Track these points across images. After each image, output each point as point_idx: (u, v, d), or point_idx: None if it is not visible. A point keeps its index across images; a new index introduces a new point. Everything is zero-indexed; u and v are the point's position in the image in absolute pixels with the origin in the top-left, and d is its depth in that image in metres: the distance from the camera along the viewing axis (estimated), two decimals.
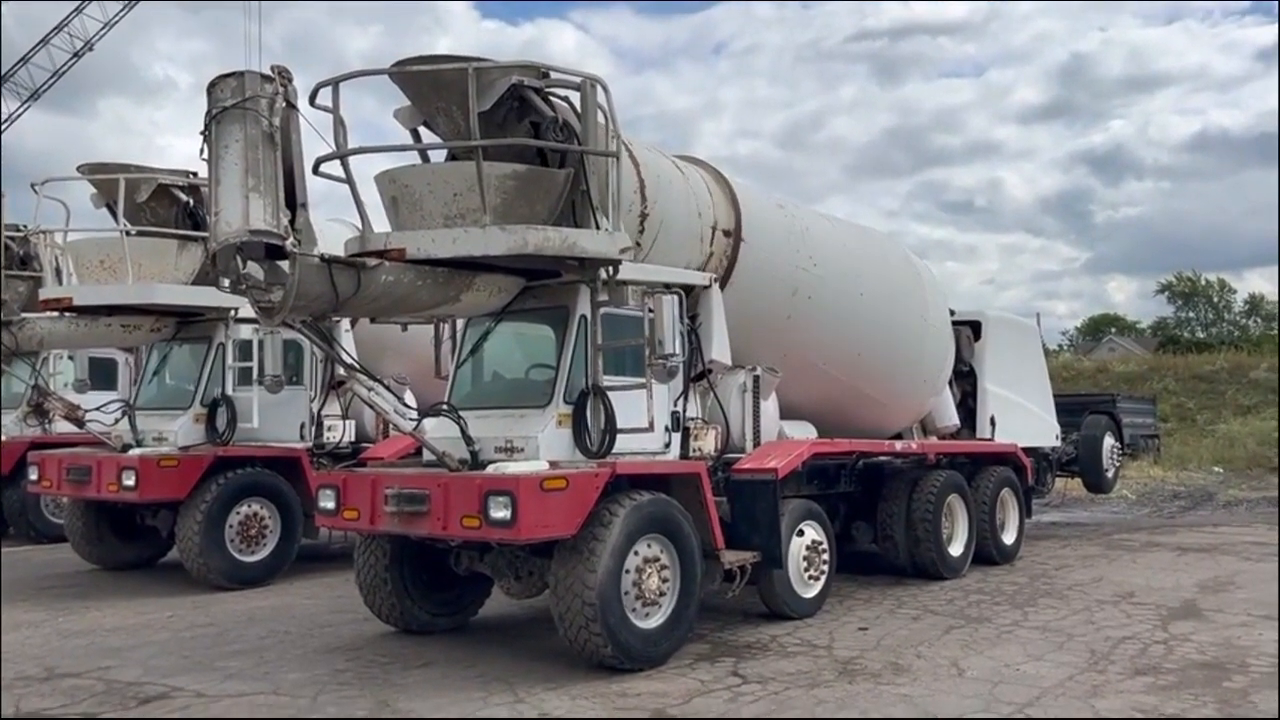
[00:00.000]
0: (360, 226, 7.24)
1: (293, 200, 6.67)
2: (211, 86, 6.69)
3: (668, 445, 8.11)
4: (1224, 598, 9.87)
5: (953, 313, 12.71)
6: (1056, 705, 6.28)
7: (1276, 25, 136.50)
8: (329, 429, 11.76)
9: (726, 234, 9.20)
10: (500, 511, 6.68)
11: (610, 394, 7.52)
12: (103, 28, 37.46)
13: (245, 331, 11.17)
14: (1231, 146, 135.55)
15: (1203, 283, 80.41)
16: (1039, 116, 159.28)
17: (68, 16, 37.18)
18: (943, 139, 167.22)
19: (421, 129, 7.79)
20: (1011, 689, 6.64)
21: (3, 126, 37.46)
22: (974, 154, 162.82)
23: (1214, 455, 27.41)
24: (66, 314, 11.32)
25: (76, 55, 37.74)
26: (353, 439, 11.95)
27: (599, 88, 7.31)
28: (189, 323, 11.74)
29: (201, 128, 6.74)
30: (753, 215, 9.49)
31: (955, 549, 11.19)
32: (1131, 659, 7.43)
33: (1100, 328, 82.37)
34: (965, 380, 13.12)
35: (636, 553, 7.18)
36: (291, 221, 6.60)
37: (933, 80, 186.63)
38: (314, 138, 7.01)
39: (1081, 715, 6.08)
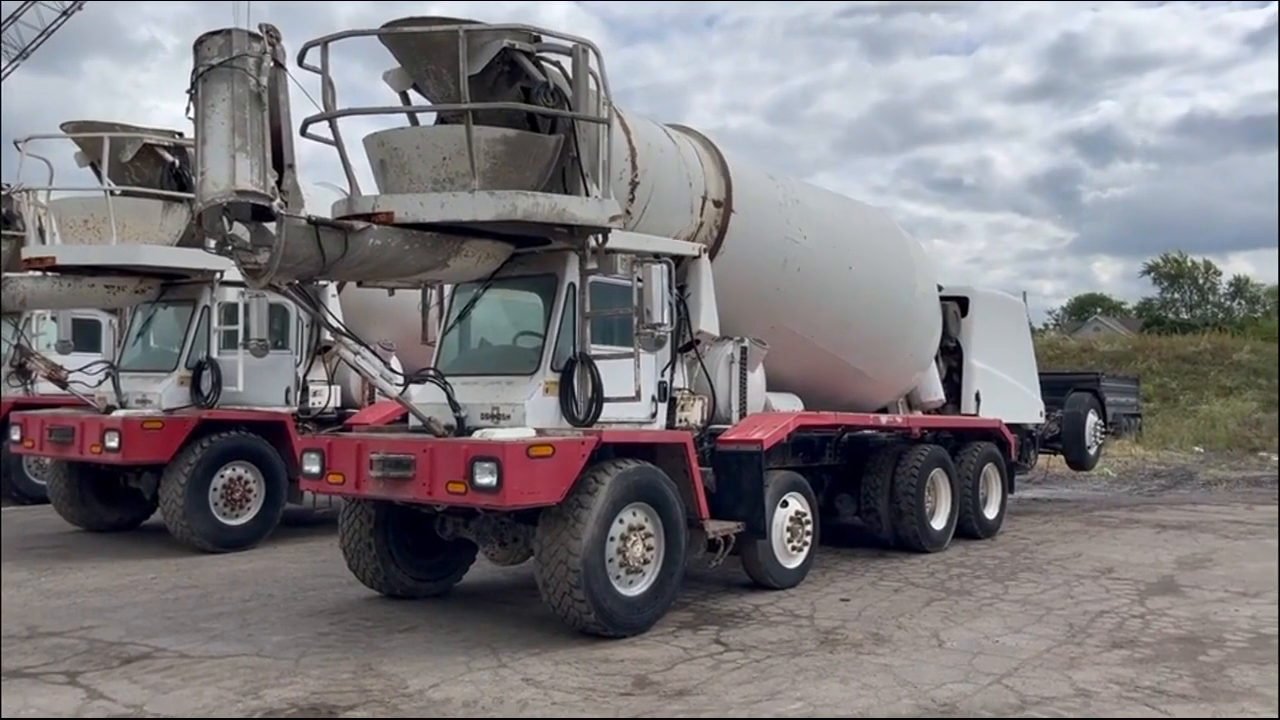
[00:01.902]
0: (348, 189, 7.17)
1: (280, 161, 6.59)
2: (198, 44, 6.59)
3: (654, 415, 8.11)
4: (1202, 574, 9.98)
5: (941, 289, 12.73)
6: (1034, 676, 6.35)
7: (1276, 10, 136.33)
8: (314, 393, 11.72)
9: (717, 204, 9.16)
10: (486, 477, 6.69)
11: (598, 363, 7.51)
12: None
13: (231, 294, 11.10)
14: (1219, 129, 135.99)
15: (1188, 265, 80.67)
16: (1029, 96, 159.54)
17: None
18: (933, 116, 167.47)
19: (411, 92, 7.71)
20: (990, 660, 6.71)
21: None
22: (963, 132, 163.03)
23: (1195, 435, 27.65)
24: (49, 274, 11.21)
25: (65, 14, 37.09)
26: (338, 404, 11.92)
27: (591, 53, 7.23)
28: (174, 284, 11.65)
29: (188, 86, 6.65)
30: (744, 186, 9.45)
31: (938, 523, 11.27)
32: (1109, 632, 7.51)
33: (1086, 308, 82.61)
34: (951, 356, 13.16)
35: (621, 521, 7.20)
36: (279, 183, 6.53)
37: (924, 57, 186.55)
38: (302, 100, 6.94)
39: (1059, 686, 6.15)
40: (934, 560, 10.61)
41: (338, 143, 7.09)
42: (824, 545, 10.05)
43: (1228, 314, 72.80)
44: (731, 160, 9.49)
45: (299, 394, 11.63)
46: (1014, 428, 13.33)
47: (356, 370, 7.74)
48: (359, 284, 8.57)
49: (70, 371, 11.90)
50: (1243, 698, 5.97)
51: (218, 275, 11.20)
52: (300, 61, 6.96)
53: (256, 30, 6.61)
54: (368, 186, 7.30)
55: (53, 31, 37.14)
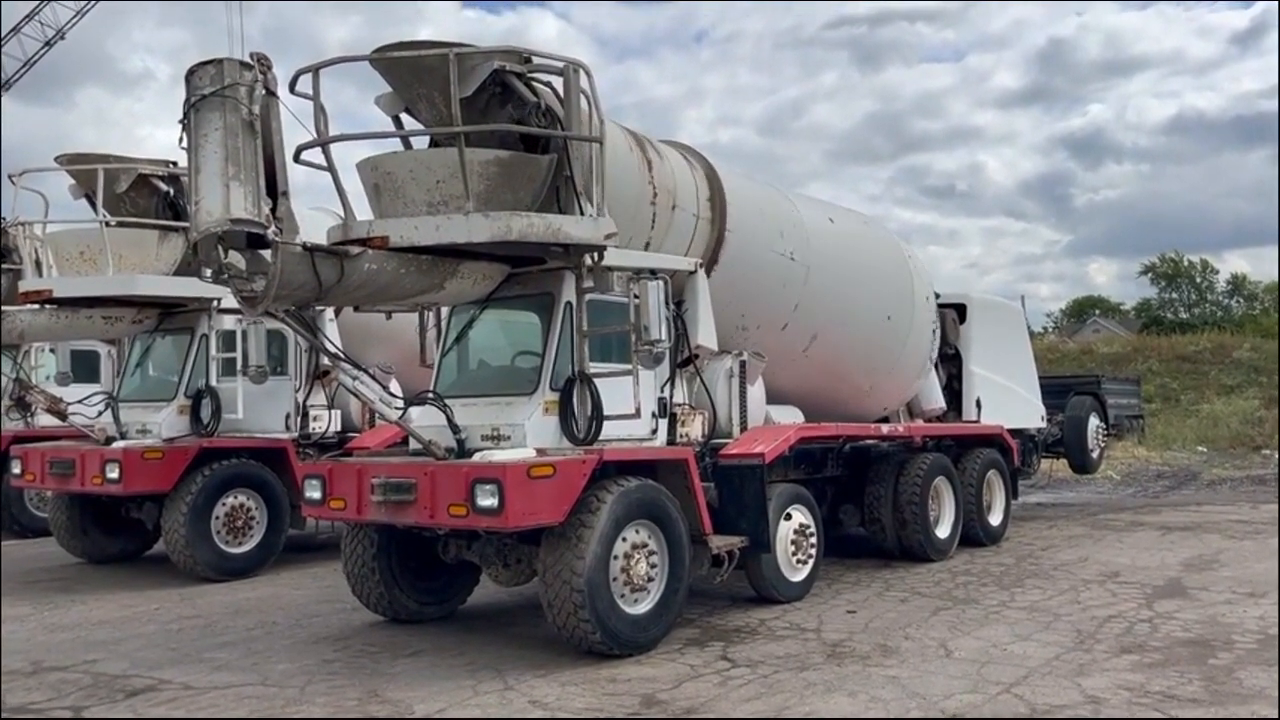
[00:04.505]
0: (343, 214, 7.18)
1: (274, 188, 6.60)
2: (190, 74, 6.62)
3: (654, 431, 8.10)
4: (1208, 576, 9.94)
5: (938, 296, 12.72)
6: (1043, 684, 6.32)
7: (1260, 11, 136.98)
8: (314, 419, 11.68)
9: (710, 221, 9.16)
10: (487, 499, 6.67)
11: (596, 380, 7.50)
12: (74, 15, 36.91)
13: (228, 322, 11.10)
14: (1208, 129, 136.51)
15: (1185, 264, 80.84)
16: (1018, 101, 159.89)
17: (39, 5, 36.63)
18: (923, 124, 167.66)
19: (403, 115, 7.73)
20: (999, 669, 6.68)
21: None
22: (954, 139, 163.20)
23: (1197, 435, 27.61)
24: (47, 306, 11.21)
25: (48, 44, 37.13)
26: (338, 429, 11.88)
27: (582, 72, 7.26)
28: (171, 314, 11.64)
29: (181, 116, 6.67)
30: (738, 200, 9.41)
31: (942, 531, 11.24)
32: (1117, 638, 7.48)
33: (1084, 310, 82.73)
34: (951, 363, 13.17)
35: (624, 539, 7.18)
36: (273, 210, 6.54)
37: (913, 66, 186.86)
38: (294, 126, 6.96)
39: (1068, 694, 6.12)
40: (939, 569, 10.57)
41: (331, 169, 7.11)
42: (829, 557, 10.02)
43: (1226, 312, 72.92)
44: (725, 176, 9.48)
45: (299, 420, 11.61)
46: (1016, 433, 13.31)
47: (355, 395, 7.72)
48: (356, 308, 8.56)
49: (70, 403, 11.88)
50: (1253, 700, 5.94)
51: (215, 303, 11.20)
52: (292, 88, 6.99)
53: (248, 59, 6.63)
54: (362, 211, 7.31)
55: (35, 62, 37.21)
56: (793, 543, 8.97)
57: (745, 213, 9.45)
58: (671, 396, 8.33)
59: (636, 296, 7.36)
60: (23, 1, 36.68)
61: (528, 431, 7.31)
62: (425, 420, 7.68)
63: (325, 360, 10.21)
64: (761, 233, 9.64)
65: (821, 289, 10.27)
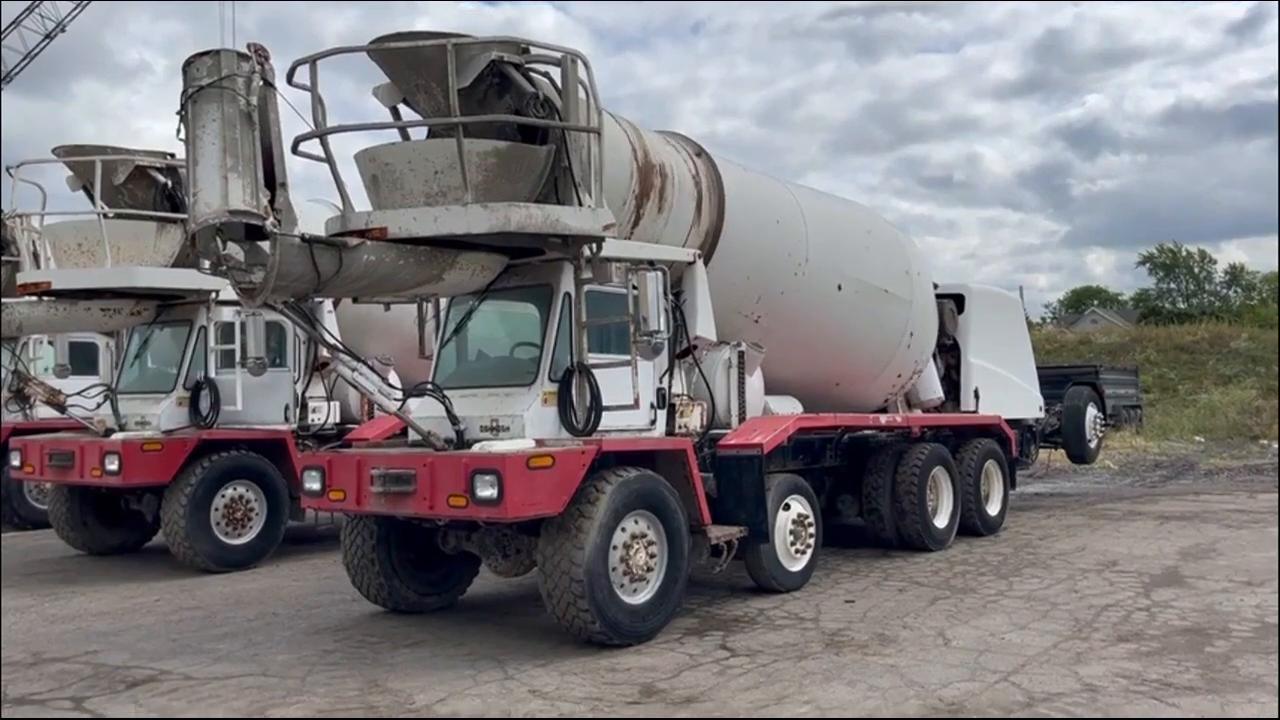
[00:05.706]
0: (341, 206, 7.17)
1: (272, 180, 6.60)
2: (187, 65, 6.61)
3: (653, 422, 8.11)
4: (1205, 565, 9.97)
5: (936, 286, 12.73)
6: (1041, 672, 6.34)
7: (1256, 3, 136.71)
8: (313, 410, 11.70)
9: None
10: (487, 490, 6.68)
11: (595, 371, 7.51)
12: (75, 8, 36.80)
13: (227, 313, 11.09)
14: (1205, 119, 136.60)
15: (1183, 254, 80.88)
16: (1015, 92, 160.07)
17: None
18: (921, 115, 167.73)
19: (401, 107, 7.71)
20: (997, 658, 6.71)
21: None
22: (952, 129, 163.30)
23: (1195, 425, 27.69)
24: (45, 298, 11.21)
25: (48, 36, 37.01)
26: (337, 420, 11.90)
27: (580, 63, 7.24)
28: (170, 305, 11.64)
29: (178, 108, 6.66)
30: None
31: (940, 521, 11.26)
32: (1115, 626, 7.51)
33: (1082, 300, 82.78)
34: (949, 353, 13.17)
35: (623, 529, 7.20)
36: (271, 201, 6.54)
37: (910, 56, 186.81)
38: (292, 117, 6.95)
39: (1066, 682, 6.15)
40: (938, 559, 10.60)
41: (329, 160, 7.08)
42: (827, 547, 10.05)
43: (1224, 302, 72.94)
44: (729, 233, 9.30)
45: (298, 411, 11.61)
46: (1014, 423, 13.33)
47: (354, 386, 7.73)
48: (355, 300, 8.56)
49: (68, 395, 11.89)
50: (1250, 688, 5.96)
51: (213, 295, 11.19)
52: (290, 80, 6.97)
53: (245, 50, 6.62)
54: (360, 203, 7.30)
55: (36, 55, 37.10)
56: (791, 533, 8.99)
57: (729, 275, 9.24)
58: (670, 387, 8.34)
59: (635, 287, 7.37)
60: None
61: (526, 422, 7.32)
62: (424, 411, 7.69)
63: (324, 352, 10.22)
64: (734, 294, 9.41)
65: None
